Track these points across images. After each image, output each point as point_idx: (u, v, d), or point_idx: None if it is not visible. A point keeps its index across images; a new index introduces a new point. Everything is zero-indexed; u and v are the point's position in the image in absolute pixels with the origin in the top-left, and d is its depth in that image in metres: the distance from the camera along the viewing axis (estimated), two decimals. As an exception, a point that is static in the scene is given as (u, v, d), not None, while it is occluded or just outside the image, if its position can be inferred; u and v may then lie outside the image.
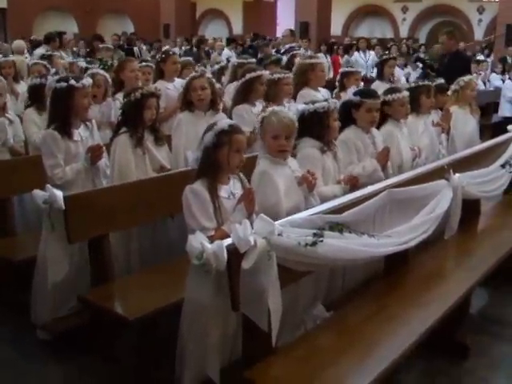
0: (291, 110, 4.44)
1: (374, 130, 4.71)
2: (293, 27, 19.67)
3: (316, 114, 4.08)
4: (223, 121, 3.54)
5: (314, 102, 4.17)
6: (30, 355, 4.00)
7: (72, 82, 4.28)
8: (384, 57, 8.26)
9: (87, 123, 4.53)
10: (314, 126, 4.05)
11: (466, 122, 6.25)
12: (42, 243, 4.02)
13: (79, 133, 4.41)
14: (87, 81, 4.42)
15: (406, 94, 5.03)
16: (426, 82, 5.60)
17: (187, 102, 5.18)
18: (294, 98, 6.16)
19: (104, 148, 4.42)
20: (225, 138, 3.38)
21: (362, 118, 4.59)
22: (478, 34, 22.51)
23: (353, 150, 4.49)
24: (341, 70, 7.39)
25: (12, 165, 5.00)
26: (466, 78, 6.49)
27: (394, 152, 4.78)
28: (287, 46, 11.59)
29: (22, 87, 6.89)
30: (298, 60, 7.12)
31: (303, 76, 6.31)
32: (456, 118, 5.99)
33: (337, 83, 7.15)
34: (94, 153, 4.32)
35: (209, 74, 5.84)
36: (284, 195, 3.58)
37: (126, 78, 6.09)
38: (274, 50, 12.17)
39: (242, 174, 3.60)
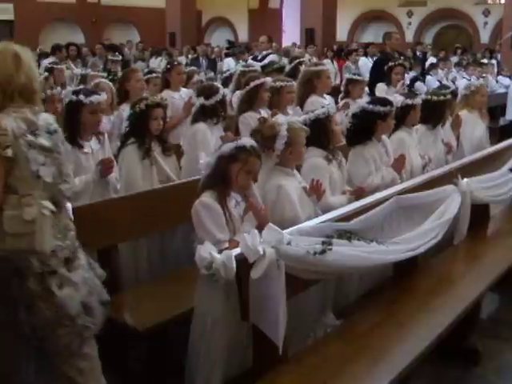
0: (295, 117, 4.47)
1: (384, 138, 4.70)
2: (298, 34, 19.70)
3: (317, 121, 4.10)
4: (247, 139, 3.51)
5: (313, 110, 4.20)
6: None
7: (81, 97, 4.25)
8: (390, 63, 8.18)
9: (100, 136, 4.51)
10: (317, 133, 4.06)
11: (474, 126, 6.20)
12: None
13: (90, 145, 4.39)
14: (95, 98, 4.31)
15: (420, 100, 5.08)
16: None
17: (207, 111, 5.03)
18: (301, 105, 6.16)
19: (115, 162, 4.40)
20: (242, 154, 3.35)
21: (387, 127, 4.58)
22: (484, 36, 22.49)
23: (371, 161, 4.46)
24: (346, 77, 7.34)
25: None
26: (477, 82, 6.48)
27: (406, 159, 4.77)
28: (264, 53, 11.43)
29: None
30: (303, 67, 7.10)
31: (309, 83, 6.30)
32: (465, 123, 5.94)
33: (341, 89, 7.16)
34: (105, 166, 4.30)
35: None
36: (299, 208, 3.60)
37: (132, 88, 6.02)
38: (250, 57, 11.95)
39: None
